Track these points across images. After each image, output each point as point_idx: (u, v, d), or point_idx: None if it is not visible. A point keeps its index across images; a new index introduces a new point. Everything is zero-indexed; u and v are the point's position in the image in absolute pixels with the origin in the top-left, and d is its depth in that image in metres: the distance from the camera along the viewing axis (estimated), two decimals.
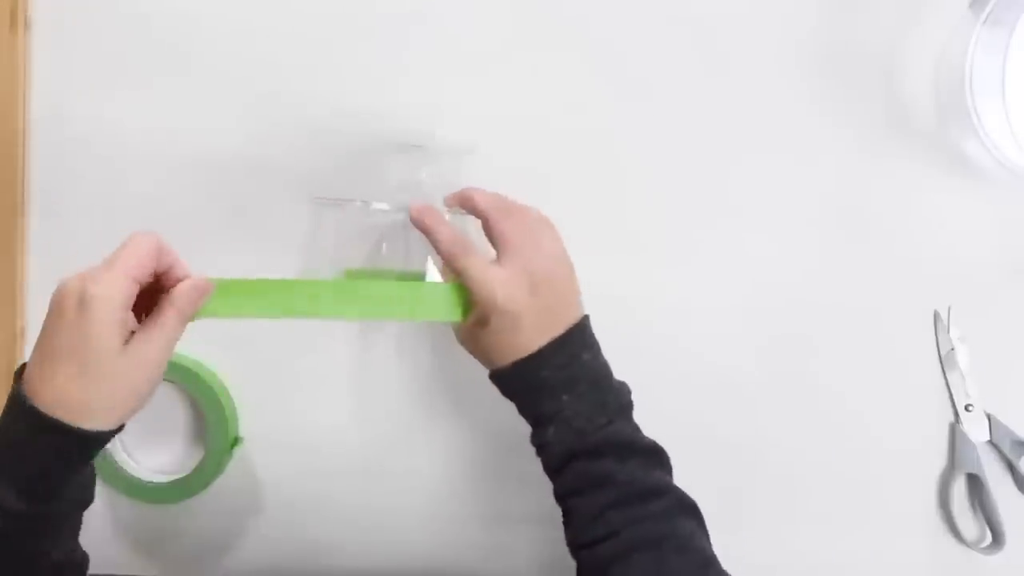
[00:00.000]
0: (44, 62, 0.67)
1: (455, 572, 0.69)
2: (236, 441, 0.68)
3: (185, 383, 0.66)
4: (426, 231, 0.56)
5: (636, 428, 0.56)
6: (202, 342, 0.65)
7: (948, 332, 0.69)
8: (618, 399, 0.55)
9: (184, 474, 0.67)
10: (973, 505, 0.70)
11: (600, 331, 0.67)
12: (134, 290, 0.46)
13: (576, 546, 0.54)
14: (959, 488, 0.70)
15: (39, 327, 0.66)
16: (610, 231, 0.67)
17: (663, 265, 0.68)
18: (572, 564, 0.55)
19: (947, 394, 0.69)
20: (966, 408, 0.69)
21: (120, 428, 0.47)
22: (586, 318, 0.56)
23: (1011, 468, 0.69)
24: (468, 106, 0.67)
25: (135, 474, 0.67)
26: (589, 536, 0.53)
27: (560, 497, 0.55)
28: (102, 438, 0.46)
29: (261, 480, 0.70)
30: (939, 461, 0.70)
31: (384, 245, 0.61)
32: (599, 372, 0.56)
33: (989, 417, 0.69)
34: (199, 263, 0.66)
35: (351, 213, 0.61)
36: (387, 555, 0.70)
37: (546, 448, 0.55)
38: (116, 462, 0.67)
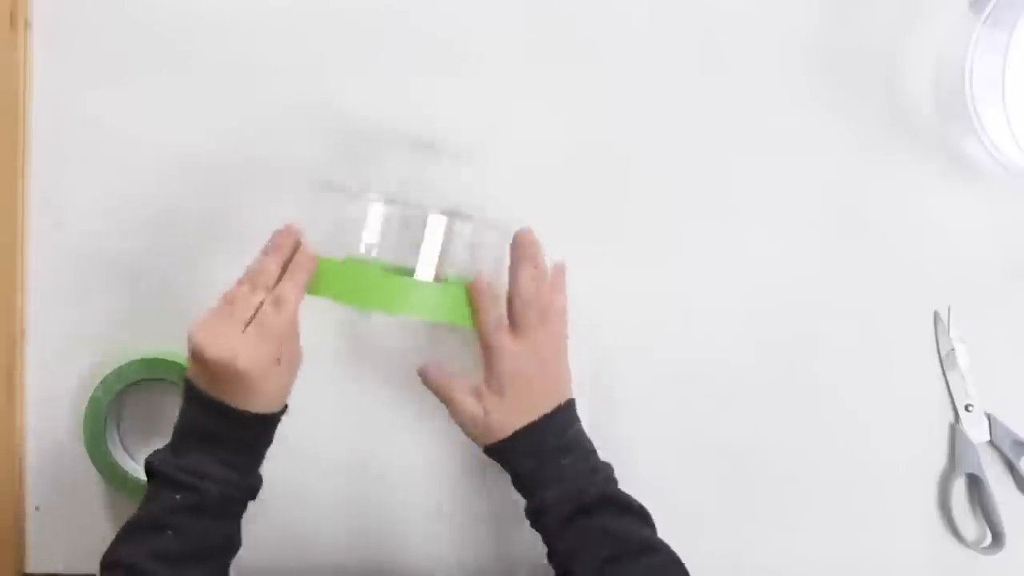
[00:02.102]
0: (44, 62, 0.67)
1: (451, 571, 0.69)
2: None
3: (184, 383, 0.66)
4: (477, 307, 0.60)
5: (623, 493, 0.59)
6: None
7: (948, 332, 0.69)
8: (605, 468, 0.60)
9: None
10: (973, 505, 0.70)
11: (601, 331, 0.67)
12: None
13: None
14: (959, 488, 0.70)
15: (39, 327, 0.66)
16: (610, 231, 0.67)
17: (663, 265, 0.68)
18: None
19: (947, 394, 0.69)
20: (966, 408, 0.69)
21: (284, 409, 0.59)
22: (573, 399, 0.61)
23: (1011, 468, 0.69)
24: (468, 104, 0.67)
25: (135, 474, 0.67)
26: None
27: (559, 561, 0.57)
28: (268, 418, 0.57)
29: None
30: (939, 461, 0.70)
31: (377, 237, 0.62)
32: (587, 443, 0.61)
33: (989, 417, 0.69)
34: (200, 261, 0.67)
35: (345, 202, 0.62)
36: (382, 554, 0.69)
37: (546, 512, 0.57)
38: (116, 462, 0.67)
